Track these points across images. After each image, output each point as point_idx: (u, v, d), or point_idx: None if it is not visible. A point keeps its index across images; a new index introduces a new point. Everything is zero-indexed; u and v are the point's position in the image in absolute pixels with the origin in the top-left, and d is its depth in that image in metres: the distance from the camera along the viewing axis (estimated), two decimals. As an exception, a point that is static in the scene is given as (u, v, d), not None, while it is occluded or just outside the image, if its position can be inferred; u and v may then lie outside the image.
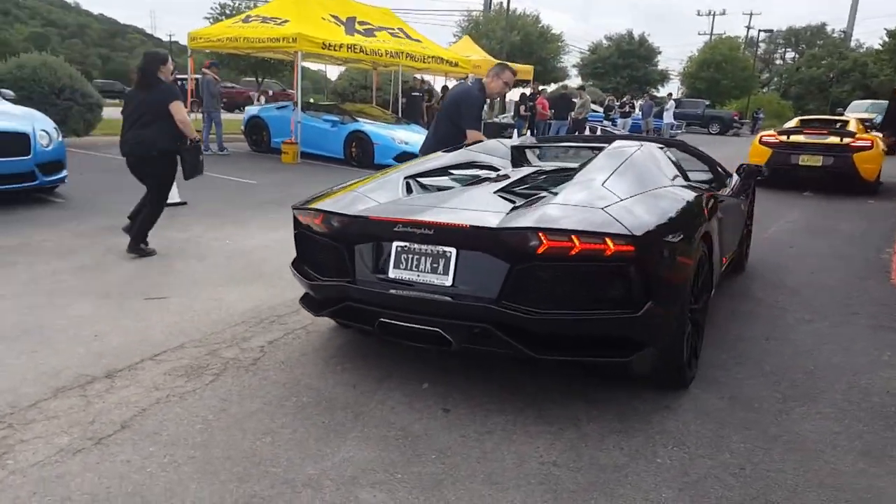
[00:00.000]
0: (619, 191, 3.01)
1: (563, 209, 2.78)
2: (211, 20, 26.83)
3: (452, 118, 5.02)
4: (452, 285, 2.77)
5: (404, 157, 10.81)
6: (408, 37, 15.34)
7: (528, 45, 34.25)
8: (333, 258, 3.12)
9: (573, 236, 2.57)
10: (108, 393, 2.93)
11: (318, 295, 3.19)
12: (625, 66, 45.74)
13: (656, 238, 2.68)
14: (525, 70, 19.46)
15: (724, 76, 44.85)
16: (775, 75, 61.45)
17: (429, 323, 2.77)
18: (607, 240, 2.56)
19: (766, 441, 2.69)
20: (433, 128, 5.39)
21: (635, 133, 24.98)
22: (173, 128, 4.98)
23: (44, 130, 6.95)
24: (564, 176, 3.60)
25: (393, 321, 2.85)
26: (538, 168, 4.07)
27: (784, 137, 10.74)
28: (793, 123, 11.92)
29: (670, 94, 29.26)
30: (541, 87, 18.72)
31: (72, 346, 3.41)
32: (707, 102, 37.87)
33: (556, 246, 2.59)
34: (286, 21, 12.42)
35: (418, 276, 2.84)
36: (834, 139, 10.31)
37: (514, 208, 2.90)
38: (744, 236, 5.17)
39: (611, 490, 2.32)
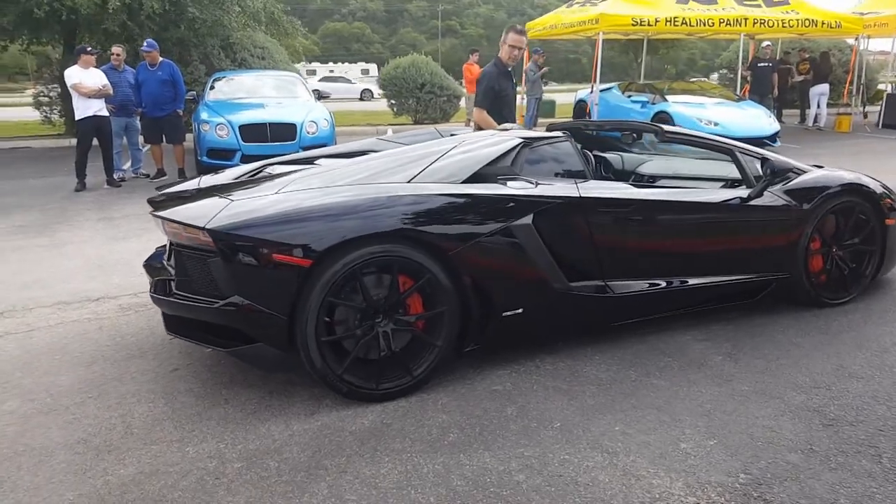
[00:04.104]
0: (299, 185, 3.03)
1: (209, 200, 3.00)
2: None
3: None
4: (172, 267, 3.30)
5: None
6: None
7: None
8: None
9: (178, 224, 2.84)
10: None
11: None
12: None
13: (245, 234, 2.67)
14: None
15: None
16: None
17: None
18: (198, 231, 2.73)
19: None
20: None
21: None
22: None
23: (312, 121, 9.11)
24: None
25: None
26: None
27: None
28: None
29: None
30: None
31: (84, 280, 4.70)
32: None
33: (173, 232, 2.91)
34: (599, 2, 12.42)
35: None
36: None
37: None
38: (794, 252, 3.70)
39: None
